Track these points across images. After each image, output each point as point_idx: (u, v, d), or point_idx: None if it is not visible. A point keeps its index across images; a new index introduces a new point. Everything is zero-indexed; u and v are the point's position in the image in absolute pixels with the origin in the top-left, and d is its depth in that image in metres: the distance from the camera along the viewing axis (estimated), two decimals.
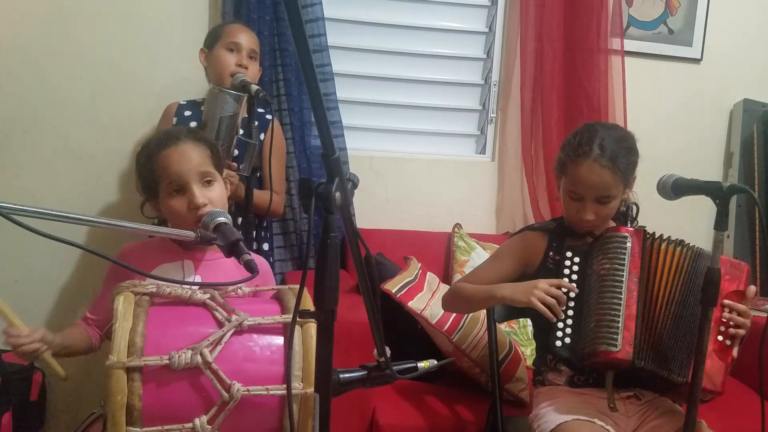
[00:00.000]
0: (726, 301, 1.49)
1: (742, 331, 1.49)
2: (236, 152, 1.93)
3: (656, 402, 1.60)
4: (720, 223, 1.37)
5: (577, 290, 1.55)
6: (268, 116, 2.12)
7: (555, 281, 1.54)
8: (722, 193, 1.37)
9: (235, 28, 2.09)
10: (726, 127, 2.83)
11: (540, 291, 1.51)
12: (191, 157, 1.40)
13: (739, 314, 1.49)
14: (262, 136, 2.07)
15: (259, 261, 1.46)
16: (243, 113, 1.88)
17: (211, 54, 2.06)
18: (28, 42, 2.27)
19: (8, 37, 2.26)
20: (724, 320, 1.49)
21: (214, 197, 1.39)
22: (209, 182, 1.41)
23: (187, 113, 2.07)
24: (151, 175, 1.41)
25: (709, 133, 2.82)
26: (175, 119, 2.06)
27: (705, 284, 1.38)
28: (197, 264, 1.41)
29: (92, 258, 2.27)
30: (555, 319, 1.51)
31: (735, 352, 1.50)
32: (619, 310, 1.48)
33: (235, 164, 1.90)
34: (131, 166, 2.36)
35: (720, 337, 1.49)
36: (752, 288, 1.52)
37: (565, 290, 1.54)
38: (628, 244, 1.53)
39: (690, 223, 2.46)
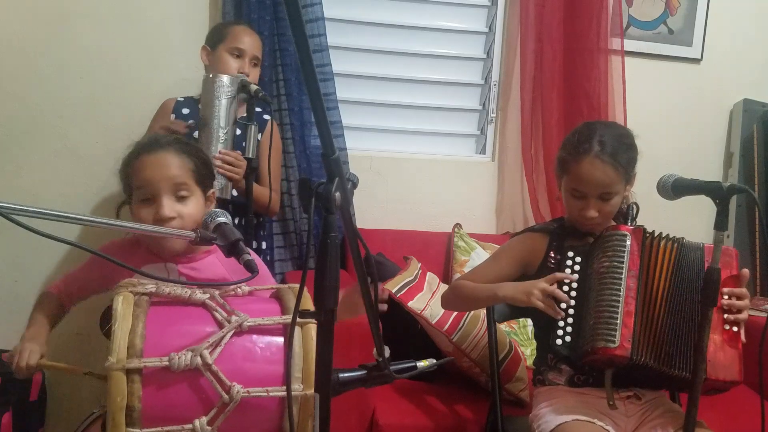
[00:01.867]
0: (725, 289, 1.50)
1: (745, 315, 1.50)
2: (238, 131, 1.96)
3: (656, 402, 1.60)
4: (720, 223, 1.37)
5: (576, 278, 1.55)
6: (266, 116, 2.12)
7: (551, 277, 1.54)
8: (722, 193, 1.37)
9: (239, 30, 2.09)
10: (726, 127, 2.83)
11: (539, 290, 1.52)
12: (167, 167, 1.34)
13: (738, 297, 1.50)
14: (260, 136, 2.07)
15: (257, 260, 1.47)
16: (238, 98, 1.89)
17: (214, 54, 2.07)
18: (28, 42, 2.27)
19: (8, 37, 2.26)
20: (726, 307, 1.49)
21: (185, 212, 1.34)
22: (183, 197, 1.35)
23: (185, 111, 2.06)
24: (127, 179, 1.38)
25: (709, 133, 2.82)
26: (173, 116, 2.06)
27: (705, 284, 1.38)
28: (180, 266, 1.39)
29: None
30: (558, 316, 1.51)
31: (743, 336, 1.50)
32: (617, 307, 1.48)
33: (239, 152, 1.91)
34: None
35: (726, 326, 1.50)
36: (745, 271, 1.53)
37: (566, 282, 1.55)
38: (628, 242, 1.53)
39: (690, 223, 2.46)
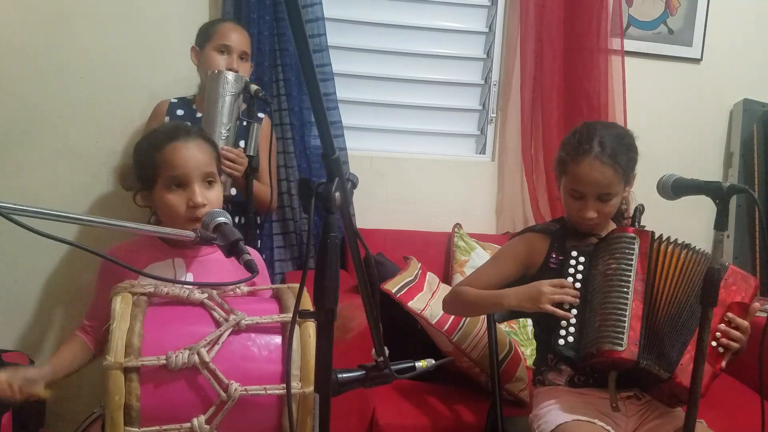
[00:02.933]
0: (729, 315, 1.49)
1: (736, 345, 1.48)
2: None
3: (656, 402, 1.60)
4: (720, 223, 1.37)
5: (578, 294, 1.54)
6: (260, 114, 2.12)
7: (556, 281, 1.54)
8: (722, 193, 1.36)
9: (225, 27, 2.08)
10: (726, 127, 2.83)
11: (547, 295, 1.51)
12: (198, 155, 1.40)
13: (738, 328, 1.48)
14: None
15: (255, 258, 1.47)
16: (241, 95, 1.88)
17: (202, 54, 2.06)
18: (28, 42, 2.27)
19: (8, 37, 2.26)
20: (722, 330, 1.48)
21: (212, 198, 1.39)
22: (210, 183, 1.41)
23: (180, 112, 2.07)
24: (151, 165, 1.39)
25: (709, 133, 2.82)
26: (167, 118, 2.06)
27: (705, 284, 1.38)
28: (188, 261, 1.40)
29: (92, 258, 2.26)
30: (569, 316, 1.51)
31: (724, 363, 1.49)
32: (625, 310, 1.48)
33: (241, 149, 1.91)
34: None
35: (714, 343, 1.49)
36: (756, 305, 1.51)
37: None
38: (636, 245, 1.53)
39: (690, 223, 2.46)
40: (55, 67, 2.30)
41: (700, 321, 1.39)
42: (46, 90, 2.30)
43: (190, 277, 1.38)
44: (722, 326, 1.48)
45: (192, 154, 1.39)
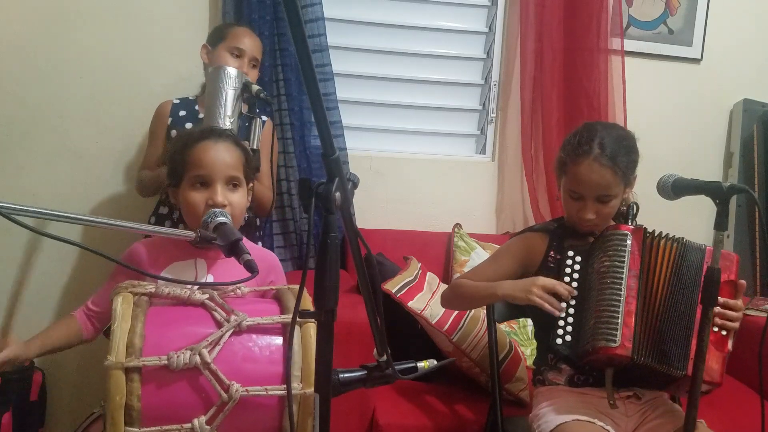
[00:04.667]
0: (721, 299, 1.49)
1: (735, 324, 1.49)
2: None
3: (656, 402, 1.60)
4: (720, 223, 1.37)
5: (575, 293, 1.55)
6: (264, 117, 2.12)
7: (552, 283, 1.54)
8: (722, 193, 1.37)
9: (240, 31, 2.09)
10: (726, 127, 2.83)
11: (538, 288, 1.52)
12: (226, 157, 1.41)
13: (732, 308, 1.50)
14: None
15: (267, 256, 1.47)
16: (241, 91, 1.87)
17: (213, 53, 2.06)
18: (28, 42, 2.27)
19: (8, 37, 2.26)
20: (717, 313, 1.48)
21: (234, 201, 1.40)
22: (235, 186, 1.42)
23: (182, 113, 2.06)
24: (181, 162, 1.41)
25: (709, 133, 2.82)
26: (170, 119, 2.05)
27: (705, 284, 1.38)
28: (210, 263, 1.40)
29: (92, 258, 2.27)
30: (556, 313, 1.51)
31: (730, 344, 1.50)
32: (618, 307, 1.48)
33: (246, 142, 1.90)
34: (131, 166, 2.36)
35: (715, 329, 1.49)
36: (743, 282, 1.53)
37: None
38: (628, 242, 1.53)
39: (690, 223, 2.46)
40: (55, 67, 2.30)
41: (700, 321, 1.40)
42: (46, 90, 2.30)
43: (210, 279, 1.38)
44: (717, 309, 1.48)
45: (219, 155, 1.40)
